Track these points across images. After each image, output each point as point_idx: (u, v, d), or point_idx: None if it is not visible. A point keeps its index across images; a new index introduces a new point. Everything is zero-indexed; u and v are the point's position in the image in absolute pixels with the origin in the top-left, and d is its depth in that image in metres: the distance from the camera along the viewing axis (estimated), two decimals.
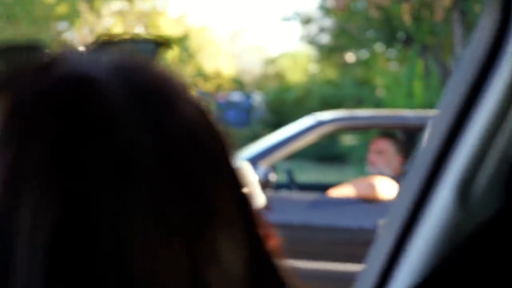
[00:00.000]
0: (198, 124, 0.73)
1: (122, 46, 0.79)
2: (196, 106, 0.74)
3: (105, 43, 0.78)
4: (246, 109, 22.21)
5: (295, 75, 18.06)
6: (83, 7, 16.59)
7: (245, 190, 0.75)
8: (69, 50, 0.78)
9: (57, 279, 0.67)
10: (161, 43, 0.81)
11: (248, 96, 23.06)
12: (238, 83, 23.47)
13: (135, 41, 0.81)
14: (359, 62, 16.83)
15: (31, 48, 0.78)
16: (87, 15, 16.65)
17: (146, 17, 18.25)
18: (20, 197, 0.68)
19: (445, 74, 12.72)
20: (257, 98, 22.24)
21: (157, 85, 0.73)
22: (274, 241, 0.77)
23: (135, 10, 18.00)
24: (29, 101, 0.71)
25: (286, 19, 21.27)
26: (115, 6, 17.87)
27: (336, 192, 5.52)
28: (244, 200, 0.75)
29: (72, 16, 16.23)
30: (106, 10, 17.74)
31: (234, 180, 0.74)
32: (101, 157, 0.68)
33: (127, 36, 0.80)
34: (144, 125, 0.70)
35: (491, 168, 1.13)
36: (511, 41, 1.10)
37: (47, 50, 0.77)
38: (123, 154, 0.68)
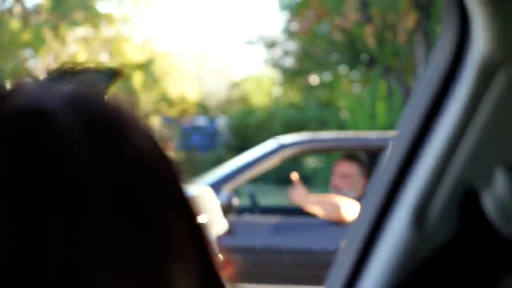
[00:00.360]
0: (150, 153, 0.73)
1: (81, 75, 0.79)
2: (149, 135, 0.74)
3: (65, 72, 0.79)
4: (211, 133, 22.39)
5: (259, 99, 18.16)
6: (48, 34, 16.58)
7: (199, 218, 0.75)
8: (27, 80, 0.78)
9: None
10: (119, 72, 0.82)
11: (212, 120, 23.23)
12: (203, 108, 23.61)
13: (94, 70, 0.81)
14: (322, 85, 16.93)
15: None
16: (52, 42, 16.63)
17: (111, 43, 18.28)
18: None
19: (408, 95, 12.82)
20: (222, 122, 22.39)
21: (109, 116, 0.73)
22: (231, 268, 0.78)
23: (100, 36, 18.03)
24: None
25: (250, 42, 21.44)
26: (80, 32, 17.88)
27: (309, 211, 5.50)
28: (198, 229, 0.75)
29: (36, 44, 16.25)
30: (71, 36, 17.76)
31: (187, 209, 0.74)
32: (52, 187, 0.68)
33: (88, 65, 0.81)
34: (97, 155, 0.70)
35: (446, 192, 1.13)
36: (467, 64, 1.10)
37: (5, 81, 0.77)
38: (75, 183, 0.68)
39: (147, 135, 0.74)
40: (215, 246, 0.76)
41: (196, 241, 0.74)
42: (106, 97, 0.77)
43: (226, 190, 5.16)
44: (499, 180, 1.09)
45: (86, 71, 0.81)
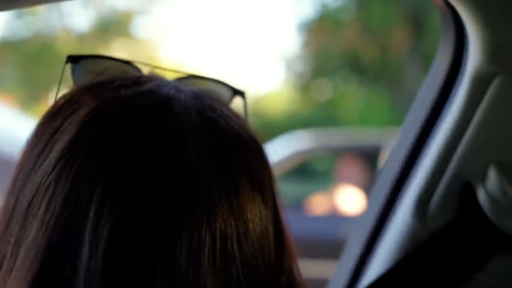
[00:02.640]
0: (254, 155, 0.75)
1: (205, 82, 0.83)
2: (256, 140, 0.77)
3: (192, 76, 0.83)
4: None
5: (277, 112, 18.12)
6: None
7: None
8: (156, 73, 0.82)
9: (115, 262, 0.66)
10: (236, 91, 0.85)
11: None
12: None
13: (215, 82, 0.84)
14: (330, 96, 16.86)
15: (125, 62, 0.82)
16: None
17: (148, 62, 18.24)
18: (92, 193, 0.67)
19: (404, 104, 12.81)
20: None
21: (226, 115, 0.75)
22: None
23: (138, 57, 18.03)
24: (114, 104, 0.72)
25: (268, 61, 21.61)
26: (121, 55, 17.84)
27: (315, 204, 5.49)
28: (278, 216, 0.77)
29: None
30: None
31: (274, 203, 0.78)
32: (162, 166, 0.68)
33: (208, 77, 0.84)
34: (209, 146, 0.71)
35: (445, 186, 1.13)
36: (464, 73, 1.10)
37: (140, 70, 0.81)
38: (185, 170, 0.68)
39: (254, 140, 0.77)
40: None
41: (274, 215, 0.76)
42: (224, 103, 0.80)
43: None
44: (491, 175, 1.09)
45: (214, 80, 0.84)
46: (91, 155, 0.68)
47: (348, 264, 1.24)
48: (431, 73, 1.17)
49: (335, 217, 5.17)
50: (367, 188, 5.31)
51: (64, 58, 0.81)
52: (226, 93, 0.84)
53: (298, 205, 5.69)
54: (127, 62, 0.81)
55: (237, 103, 0.87)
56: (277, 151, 5.83)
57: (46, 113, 0.76)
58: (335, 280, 1.25)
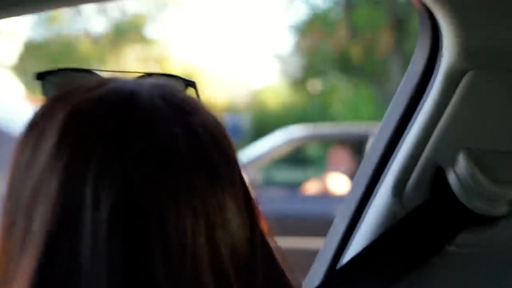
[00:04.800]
0: (214, 126, 0.75)
1: (163, 77, 0.83)
2: (213, 116, 0.76)
3: (150, 74, 0.83)
4: (234, 129, 22.32)
5: (274, 104, 17.97)
6: (110, 54, 16.61)
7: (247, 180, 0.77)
8: (116, 76, 0.81)
9: (116, 236, 0.67)
10: (187, 82, 0.84)
11: (236, 119, 23.15)
12: (230, 109, 23.58)
13: (168, 76, 0.84)
14: (321, 92, 16.77)
15: (85, 71, 0.82)
16: (113, 61, 16.62)
17: (160, 62, 18.14)
18: (85, 179, 0.68)
19: (388, 99, 12.75)
20: (244, 120, 22.31)
21: (185, 98, 0.76)
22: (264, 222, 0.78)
23: (151, 56, 17.90)
24: (86, 105, 0.72)
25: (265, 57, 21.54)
26: (135, 53, 17.71)
27: (308, 187, 5.50)
28: (247, 189, 0.76)
29: (101, 61, 16.24)
30: (128, 57, 17.64)
31: (238, 165, 0.76)
32: (144, 150, 0.69)
33: (161, 72, 0.84)
34: (176, 126, 0.71)
35: (420, 170, 1.13)
36: (438, 69, 1.10)
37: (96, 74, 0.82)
38: (161, 146, 0.69)
39: (212, 116, 0.75)
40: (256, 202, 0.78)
41: (247, 196, 0.76)
42: (181, 90, 0.81)
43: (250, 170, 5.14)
44: (460, 161, 1.09)
45: (167, 75, 0.84)
46: (77, 149, 0.68)
47: (334, 239, 1.23)
48: (409, 69, 1.17)
49: (326, 198, 5.18)
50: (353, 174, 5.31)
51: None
52: (180, 85, 0.84)
53: (296, 187, 5.69)
54: (88, 71, 0.81)
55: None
56: (274, 141, 5.81)
57: (27, 123, 0.76)
58: (323, 253, 1.25)
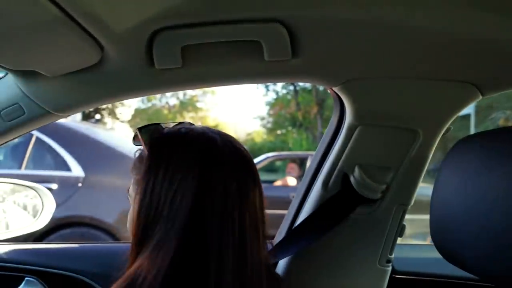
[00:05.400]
0: (246, 155, 0.64)
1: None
2: (241, 147, 0.65)
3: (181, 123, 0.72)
4: None
5: (259, 139, 17.87)
6: (178, 117, 16.54)
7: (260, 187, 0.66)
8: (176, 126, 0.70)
9: (193, 229, 0.57)
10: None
11: None
12: None
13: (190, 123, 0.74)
14: (282, 134, 16.73)
15: (157, 125, 0.71)
16: (180, 119, 16.55)
17: (201, 119, 17.99)
18: (177, 183, 0.58)
19: (318, 138, 12.80)
20: None
21: (232, 140, 0.65)
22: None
23: (197, 116, 17.81)
24: (173, 140, 0.61)
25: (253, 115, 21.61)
26: (190, 115, 17.62)
27: (277, 183, 5.44)
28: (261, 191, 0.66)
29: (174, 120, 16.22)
30: (187, 117, 17.49)
31: (258, 179, 0.66)
32: (219, 172, 0.59)
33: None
34: (230, 156, 0.62)
35: (336, 175, 1.08)
36: (344, 125, 1.05)
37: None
38: (223, 166, 0.60)
39: (240, 145, 0.65)
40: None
41: (260, 201, 0.64)
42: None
43: None
44: (356, 170, 1.06)
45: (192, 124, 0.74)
46: (185, 172, 0.59)
47: (291, 212, 1.18)
48: (329, 124, 1.14)
49: (285, 188, 5.13)
50: (300, 176, 5.28)
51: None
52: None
53: (270, 183, 5.65)
54: (158, 124, 0.71)
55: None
56: (257, 159, 5.77)
57: (156, 151, 0.63)
58: (285, 220, 1.19)
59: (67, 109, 0.82)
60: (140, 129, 0.69)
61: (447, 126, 1.00)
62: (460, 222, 0.60)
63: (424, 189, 1.18)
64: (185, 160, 0.60)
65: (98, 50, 0.69)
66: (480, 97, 0.91)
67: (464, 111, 0.99)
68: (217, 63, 0.77)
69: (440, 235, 0.65)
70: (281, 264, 1.10)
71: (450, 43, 0.74)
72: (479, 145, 0.61)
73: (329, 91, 1.02)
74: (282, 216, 1.20)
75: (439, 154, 1.05)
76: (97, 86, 0.78)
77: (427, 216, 0.70)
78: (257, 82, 0.89)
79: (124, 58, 0.71)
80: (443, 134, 1.02)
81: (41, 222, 1.20)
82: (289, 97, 14.89)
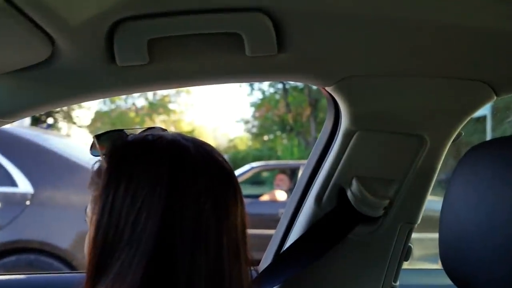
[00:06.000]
0: (223, 162, 0.64)
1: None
2: (219, 154, 0.65)
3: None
4: None
5: (243, 147, 17.91)
6: (147, 119, 16.48)
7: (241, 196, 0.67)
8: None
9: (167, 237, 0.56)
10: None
11: None
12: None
13: (161, 129, 0.73)
14: (270, 141, 16.80)
15: (120, 131, 0.69)
16: (148, 123, 16.49)
17: (175, 122, 17.95)
18: (142, 200, 0.57)
19: (311, 145, 12.89)
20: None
21: (205, 144, 0.65)
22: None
23: (171, 119, 17.76)
24: (138, 147, 0.61)
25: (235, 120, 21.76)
26: (161, 118, 17.55)
27: (263, 197, 5.45)
28: (242, 201, 0.66)
29: (141, 124, 16.13)
30: (157, 120, 17.52)
31: (239, 190, 0.66)
32: (188, 179, 0.59)
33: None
34: (203, 162, 0.61)
35: (331, 189, 1.09)
36: (340, 130, 1.07)
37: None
38: (193, 175, 0.59)
39: (219, 154, 0.65)
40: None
41: (240, 207, 0.64)
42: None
43: None
44: (353, 183, 1.06)
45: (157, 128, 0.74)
46: (151, 187, 0.58)
47: (279, 232, 1.18)
48: (323, 130, 1.14)
49: (273, 204, 5.13)
50: (291, 190, 5.30)
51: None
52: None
53: (255, 197, 5.65)
54: (121, 130, 0.70)
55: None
56: (241, 170, 5.78)
57: (113, 160, 0.63)
58: (272, 241, 1.19)
59: (12, 114, 0.79)
60: (98, 136, 0.66)
61: (457, 131, 1.01)
62: (472, 240, 0.59)
63: (434, 203, 1.20)
64: (151, 172, 0.58)
65: (47, 44, 0.68)
66: (494, 97, 0.92)
67: (479, 113, 0.99)
68: (190, 59, 0.76)
69: (450, 257, 0.64)
70: None
71: (460, 36, 0.73)
72: (493, 153, 0.61)
73: (322, 91, 1.02)
74: (269, 237, 1.20)
75: (451, 161, 1.06)
76: (48, 85, 0.76)
77: (437, 235, 0.70)
78: (238, 81, 0.89)
79: (79, 53, 0.69)
80: (453, 141, 1.03)
81: None
82: (277, 96, 14.98)
